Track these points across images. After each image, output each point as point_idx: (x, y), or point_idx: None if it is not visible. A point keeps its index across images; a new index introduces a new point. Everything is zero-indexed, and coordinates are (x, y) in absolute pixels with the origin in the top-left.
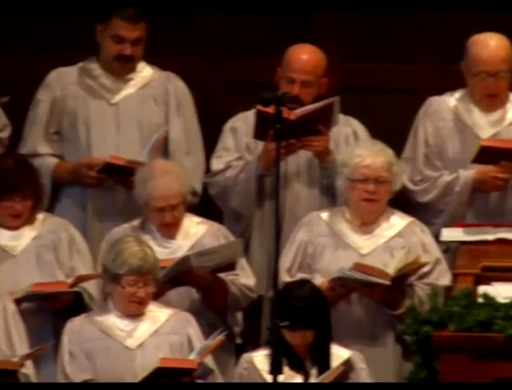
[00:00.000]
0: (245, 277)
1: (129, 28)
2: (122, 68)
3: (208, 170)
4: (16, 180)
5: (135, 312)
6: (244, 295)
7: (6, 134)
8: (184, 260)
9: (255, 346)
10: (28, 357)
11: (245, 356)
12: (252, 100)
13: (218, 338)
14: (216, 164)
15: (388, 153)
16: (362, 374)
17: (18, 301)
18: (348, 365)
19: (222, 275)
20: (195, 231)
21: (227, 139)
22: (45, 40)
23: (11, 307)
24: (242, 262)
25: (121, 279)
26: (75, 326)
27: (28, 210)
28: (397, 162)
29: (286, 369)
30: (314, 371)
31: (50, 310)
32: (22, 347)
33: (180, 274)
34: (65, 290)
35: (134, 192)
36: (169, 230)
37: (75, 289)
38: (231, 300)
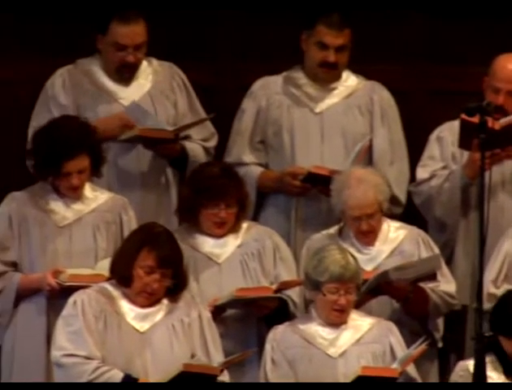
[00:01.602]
0: (445, 283)
1: (333, 35)
2: (326, 75)
3: (413, 179)
4: (221, 187)
5: (337, 320)
6: (445, 302)
7: (213, 143)
8: (383, 274)
9: (459, 355)
10: (228, 363)
11: (461, 364)
12: (457, 109)
13: (420, 347)
14: (421, 173)
15: None
16: None
17: (222, 307)
18: None
19: (422, 283)
20: (394, 236)
21: (432, 148)
22: (250, 49)
23: (206, 314)
24: (443, 268)
25: (322, 287)
26: (278, 334)
27: (233, 218)
28: None
29: (502, 376)
30: None
31: (255, 316)
32: (217, 354)
33: (380, 284)
34: (269, 295)
35: (331, 200)
36: (367, 237)
37: (279, 295)
38: (431, 308)
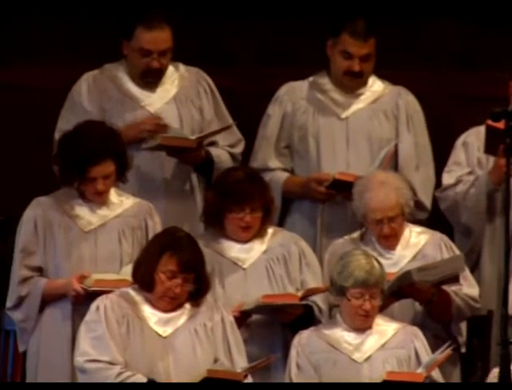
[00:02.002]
0: (468, 287)
1: (358, 45)
2: (351, 83)
3: (439, 185)
4: (245, 191)
5: (361, 325)
6: (468, 305)
7: (239, 149)
8: (406, 275)
9: (483, 360)
10: (251, 368)
11: (494, 370)
12: (483, 114)
13: (446, 352)
14: (447, 179)
15: None
16: None
17: (248, 313)
18: None
19: (445, 286)
20: (416, 241)
21: (458, 153)
22: (275, 54)
23: (229, 318)
24: (465, 272)
25: (347, 292)
26: (303, 339)
27: (258, 222)
28: None
29: None
30: None
31: (280, 322)
32: (241, 358)
33: (403, 287)
34: (295, 303)
35: (352, 204)
36: (388, 241)
37: (305, 302)
38: (454, 311)
